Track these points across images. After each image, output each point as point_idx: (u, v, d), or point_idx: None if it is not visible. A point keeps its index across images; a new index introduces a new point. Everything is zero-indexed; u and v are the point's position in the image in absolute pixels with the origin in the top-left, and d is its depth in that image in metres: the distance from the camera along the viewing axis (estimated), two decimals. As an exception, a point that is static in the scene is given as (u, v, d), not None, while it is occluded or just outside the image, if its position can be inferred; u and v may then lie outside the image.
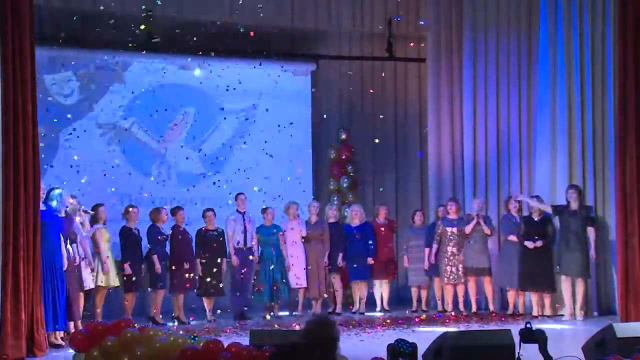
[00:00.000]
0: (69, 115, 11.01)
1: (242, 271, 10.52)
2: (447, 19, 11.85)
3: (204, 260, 10.38)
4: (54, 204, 8.44)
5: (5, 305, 7.52)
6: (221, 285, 10.48)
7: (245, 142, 11.96)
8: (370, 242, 10.94)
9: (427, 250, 10.92)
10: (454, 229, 10.74)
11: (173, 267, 10.19)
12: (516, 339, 6.42)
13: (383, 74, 12.90)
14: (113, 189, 10.88)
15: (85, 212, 9.37)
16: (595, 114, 10.56)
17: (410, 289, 11.33)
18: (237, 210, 10.72)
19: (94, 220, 9.50)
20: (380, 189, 12.70)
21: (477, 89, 11.51)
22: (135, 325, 6.70)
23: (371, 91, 12.80)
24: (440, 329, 8.89)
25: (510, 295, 10.68)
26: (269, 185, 11.31)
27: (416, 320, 10.22)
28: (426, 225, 11.25)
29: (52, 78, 11.05)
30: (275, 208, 10.89)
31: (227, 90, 11.56)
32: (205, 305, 10.45)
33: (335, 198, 12.28)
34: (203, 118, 11.89)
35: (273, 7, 11.78)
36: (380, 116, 12.69)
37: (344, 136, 12.66)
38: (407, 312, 11.01)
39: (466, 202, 11.35)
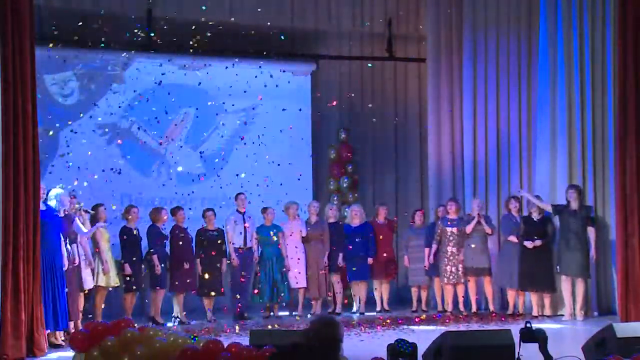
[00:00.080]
0: (66, 115, 11.00)
1: (242, 272, 10.52)
2: (447, 19, 11.85)
3: (204, 260, 10.38)
4: (53, 203, 8.44)
5: (5, 305, 7.53)
6: (221, 285, 10.49)
7: (245, 142, 11.95)
8: (370, 242, 10.94)
9: (427, 250, 10.92)
10: (454, 229, 10.74)
11: (174, 267, 10.20)
12: (516, 339, 6.42)
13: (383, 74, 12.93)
14: (113, 189, 10.87)
15: (86, 212, 9.37)
16: (595, 114, 10.56)
17: (410, 289, 11.33)
18: (237, 210, 10.72)
19: (94, 220, 9.50)
20: (376, 193, 12.67)
21: (477, 89, 11.51)
22: (135, 325, 6.70)
23: (377, 98, 12.83)
24: (440, 329, 8.89)
25: (510, 295, 10.68)
26: (269, 185, 11.30)
27: (416, 320, 10.22)
28: (426, 225, 11.24)
29: (52, 78, 11.04)
30: (275, 208, 10.89)
31: (227, 90, 11.57)
32: (205, 305, 10.45)
33: (335, 198, 12.28)
34: (203, 118, 11.89)
35: (273, 7, 11.79)
36: (373, 120, 12.68)
37: (344, 136, 12.66)
38: (408, 312, 11.01)
39: (466, 202, 11.35)
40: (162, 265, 10.10)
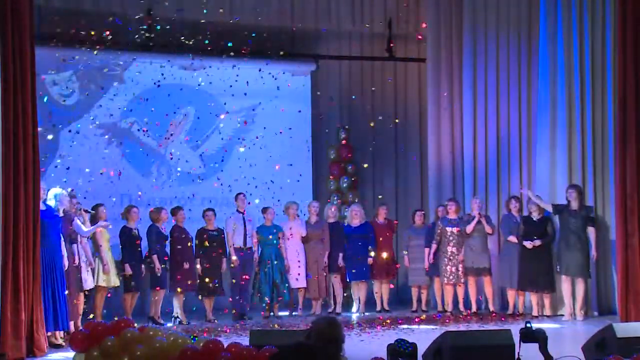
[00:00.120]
0: (66, 115, 11.00)
1: (242, 273, 10.52)
2: (447, 19, 11.85)
3: (204, 260, 10.38)
4: (52, 203, 8.44)
5: (5, 305, 7.53)
6: (221, 285, 10.49)
7: (245, 142, 11.95)
8: (370, 242, 10.93)
9: (427, 250, 10.92)
10: (454, 229, 10.74)
11: (174, 267, 10.20)
12: (516, 339, 6.42)
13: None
14: (113, 189, 10.87)
15: (86, 212, 9.37)
16: (595, 114, 10.56)
17: (410, 289, 11.33)
18: (237, 210, 10.72)
19: (94, 220, 9.50)
20: (379, 196, 12.64)
21: (477, 89, 11.51)
22: (135, 325, 6.70)
23: (373, 89, 12.83)
24: (441, 329, 8.89)
25: (510, 295, 10.68)
26: (269, 185, 11.30)
27: (416, 320, 10.22)
28: (426, 225, 11.24)
29: (52, 78, 11.04)
30: (275, 208, 10.89)
31: (227, 90, 11.57)
32: (205, 305, 10.45)
33: (335, 198, 12.27)
34: (203, 118, 11.88)
35: (273, 7, 11.79)
36: (380, 117, 12.68)
37: (344, 136, 12.66)
38: (408, 312, 11.01)
39: (466, 202, 11.34)
40: (162, 265, 10.09)
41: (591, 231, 10.16)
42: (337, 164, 12.61)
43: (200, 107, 11.85)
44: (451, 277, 10.69)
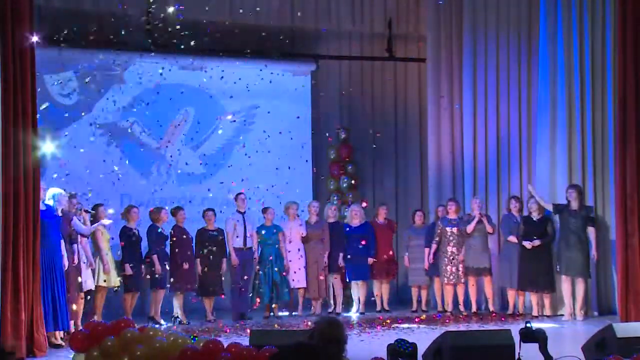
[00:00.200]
0: (66, 115, 10.99)
1: (242, 273, 10.52)
2: (447, 19, 11.85)
3: (204, 261, 10.38)
4: (51, 203, 8.44)
5: (5, 305, 7.53)
6: (221, 285, 10.49)
7: (245, 142, 11.95)
8: (370, 242, 10.94)
9: (427, 250, 10.92)
10: (454, 229, 10.74)
11: (174, 267, 10.21)
12: (516, 339, 6.42)
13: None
14: (113, 189, 10.87)
15: (86, 212, 9.37)
16: (595, 114, 10.56)
17: (410, 289, 11.33)
18: (237, 210, 10.72)
19: (94, 220, 9.50)
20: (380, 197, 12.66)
21: (477, 89, 11.51)
22: (135, 325, 6.70)
23: (378, 98, 12.85)
24: (441, 329, 8.89)
25: (510, 295, 10.68)
26: (269, 185, 11.30)
27: (416, 320, 10.21)
28: (426, 225, 11.24)
29: (52, 78, 11.03)
30: (275, 208, 10.88)
31: (227, 90, 11.57)
32: (205, 305, 10.45)
33: (335, 198, 12.27)
34: (203, 118, 11.89)
35: (273, 7, 11.78)
36: (380, 118, 12.68)
37: (344, 136, 12.66)
38: (408, 312, 11.01)
39: (466, 202, 11.34)
40: (162, 265, 10.09)
41: (591, 231, 10.16)
42: (337, 164, 12.61)
43: (201, 108, 11.85)
44: (451, 277, 10.69)
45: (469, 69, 11.55)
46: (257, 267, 10.65)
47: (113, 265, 9.67)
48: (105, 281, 9.54)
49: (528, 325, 6.53)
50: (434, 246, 10.84)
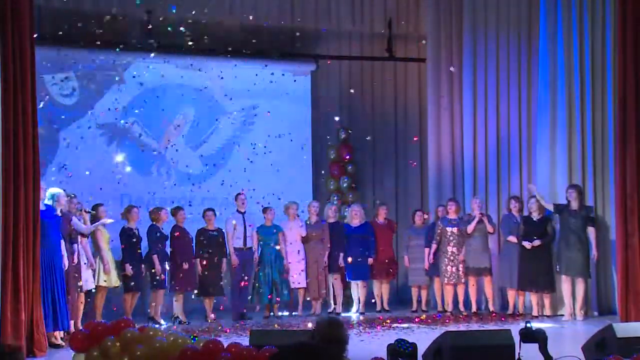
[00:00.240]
0: (62, 117, 10.98)
1: (242, 273, 10.53)
2: (447, 19, 11.84)
3: (204, 261, 10.38)
4: (50, 203, 8.44)
5: (5, 305, 7.53)
6: (221, 285, 10.49)
7: (245, 142, 11.95)
8: (370, 242, 10.94)
9: (427, 250, 10.92)
10: (454, 229, 10.74)
11: (174, 267, 10.21)
12: (516, 339, 6.42)
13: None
14: (113, 189, 10.87)
15: (87, 212, 9.37)
16: (595, 114, 10.56)
17: (410, 289, 11.33)
18: (237, 210, 10.72)
19: (94, 221, 9.50)
20: (377, 201, 12.64)
21: (477, 89, 11.50)
22: (135, 325, 6.70)
23: (378, 98, 12.84)
24: (441, 329, 8.88)
25: (510, 295, 10.68)
26: (269, 185, 11.31)
27: (416, 320, 10.21)
28: (426, 225, 11.24)
29: (52, 78, 11.04)
30: (275, 208, 10.88)
31: (227, 90, 11.57)
32: (205, 305, 10.45)
33: (335, 198, 12.27)
34: (203, 118, 11.89)
35: (273, 7, 11.79)
36: (379, 118, 12.69)
37: (344, 136, 12.66)
38: (408, 312, 11.01)
39: (466, 202, 11.34)
40: (163, 265, 10.09)
41: (591, 231, 10.16)
42: (337, 164, 12.61)
43: (200, 108, 11.85)
44: (451, 277, 10.69)
45: (469, 69, 11.55)
46: (257, 267, 10.65)
47: (113, 265, 9.67)
48: (105, 281, 9.54)
49: (528, 325, 6.52)
50: (434, 246, 10.84)
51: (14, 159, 7.66)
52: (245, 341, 6.60)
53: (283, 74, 12.09)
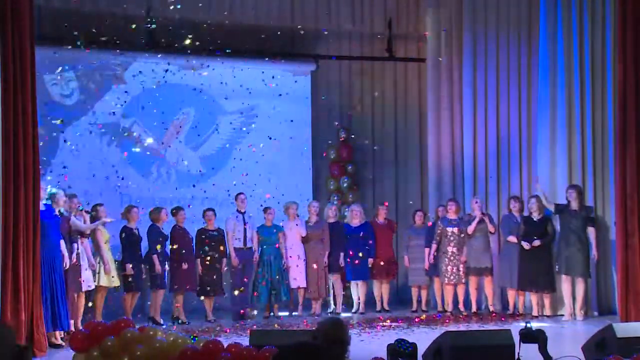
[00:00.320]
0: (62, 117, 10.98)
1: (242, 273, 10.53)
2: (447, 19, 11.84)
3: (204, 260, 10.38)
4: (49, 203, 8.44)
5: (5, 305, 7.53)
6: (221, 285, 10.49)
7: (245, 142, 11.95)
8: (370, 242, 10.94)
9: (427, 250, 10.92)
10: (454, 229, 10.73)
11: (174, 267, 10.21)
12: (516, 339, 6.42)
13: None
14: (113, 189, 10.87)
15: (87, 212, 9.37)
16: (595, 114, 10.56)
17: (410, 289, 11.33)
18: (237, 210, 10.72)
19: (94, 221, 9.49)
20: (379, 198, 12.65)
21: (477, 89, 11.50)
22: (135, 325, 6.70)
23: (376, 94, 12.83)
24: (441, 329, 8.88)
25: (510, 295, 10.68)
26: (269, 185, 11.30)
27: (416, 320, 10.21)
28: (426, 225, 11.24)
29: (52, 78, 11.03)
30: (275, 208, 10.88)
31: (227, 90, 11.57)
32: (205, 305, 10.45)
33: (335, 198, 12.27)
34: (203, 118, 11.88)
35: (273, 7, 11.78)
36: (379, 118, 12.68)
37: (344, 136, 12.66)
38: (408, 312, 11.00)
39: (466, 202, 11.34)
40: (163, 265, 10.09)
41: (591, 231, 10.16)
42: (337, 164, 12.61)
43: (200, 108, 11.84)
44: (452, 277, 10.69)
45: (469, 69, 11.55)
46: (257, 267, 10.65)
47: (113, 265, 9.67)
48: (105, 281, 9.53)
49: (528, 325, 6.53)
50: (434, 246, 10.84)
51: (14, 159, 7.67)
52: (245, 341, 6.61)
53: (283, 74, 12.09)
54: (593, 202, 10.48)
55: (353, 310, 11.02)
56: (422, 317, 10.43)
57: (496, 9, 11.44)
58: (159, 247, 10.08)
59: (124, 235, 9.97)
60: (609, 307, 10.42)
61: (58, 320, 8.20)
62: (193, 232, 10.48)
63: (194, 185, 11.46)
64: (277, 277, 10.61)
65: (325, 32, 12.48)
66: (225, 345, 6.07)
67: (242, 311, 10.52)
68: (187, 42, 10.99)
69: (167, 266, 10.21)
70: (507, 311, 10.68)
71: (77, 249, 8.90)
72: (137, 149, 11.42)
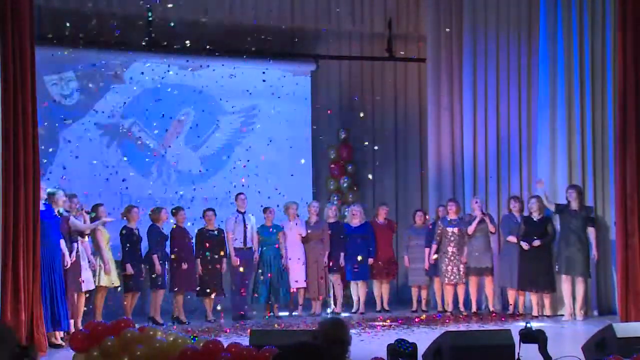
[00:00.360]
0: (62, 117, 10.98)
1: (242, 273, 10.52)
2: (447, 19, 11.84)
3: (204, 261, 10.38)
4: (48, 202, 8.44)
5: (5, 305, 7.52)
6: (221, 285, 10.49)
7: (245, 142, 11.95)
8: (370, 242, 10.94)
9: (427, 250, 10.92)
10: (455, 229, 10.73)
11: (173, 266, 10.21)
12: (516, 339, 6.42)
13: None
14: (113, 190, 10.87)
15: (87, 212, 9.37)
16: (595, 114, 10.56)
17: (410, 289, 11.33)
18: (237, 210, 10.72)
19: (94, 221, 9.49)
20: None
21: (477, 89, 11.50)
22: (135, 325, 6.70)
23: (378, 98, 12.83)
24: (441, 329, 8.88)
25: (510, 295, 10.68)
26: (269, 185, 11.30)
27: (416, 320, 10.21)
28: (426, 225, 11.24)
29: (52, 78, 11.03)
30: (275, 208, 10.89)
31: (227, 90, 11.57)
32: (206, 305, 10.45)
33: (335, 198, 12.27)
34: (203, 118, 11.88)
35: (273, 7, 11.78)
36: (379, 118, 12.69)
37: (344, 136, 12.66)
38: (408, 312, 11.00)
39: (466, 202, 11.34)
40: (162, 264, 10.09)
41: (591, 231, 10.16)
42: (337, 164, 12.61)
43: (200, 108, 11.84)
44: (452, 277, 10.68)
45: (469, 69, 11.55)
46: (257, 267, 10.65)
47: (113, 265, 9.67)
48: (105, 281, 9.53)
49: (528, 325, 6.53)
50: (434, 246, 10.83)
51: (14, 159, 7.66)
52: (245, 341, 6.60)
53: (283, 74, 12.09)
54: (593, 202, 10.48)
55: (353, 310, 11.02)
56: (422, 317, 10.43)
57: (496, 9, 11.44)
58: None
59: (124, 235, 9.96)
60: (609, 307, 10.41)
61: (57, 320, 8.19)
62: (193, 232, 10.48)
63: (194, 189, 11.45)
64: (277, 277, 10.61)
65: (325, 32, 12.50)
66: (225, 345, 6.07)
67: (244, 310, 10.52)
68: (187, 42, 11.00)
69: (167, 266, 10.21)
70: (507, 311, 10.68)
71: (77, 248, 8.89)
72: (137, 149, 11.42)
